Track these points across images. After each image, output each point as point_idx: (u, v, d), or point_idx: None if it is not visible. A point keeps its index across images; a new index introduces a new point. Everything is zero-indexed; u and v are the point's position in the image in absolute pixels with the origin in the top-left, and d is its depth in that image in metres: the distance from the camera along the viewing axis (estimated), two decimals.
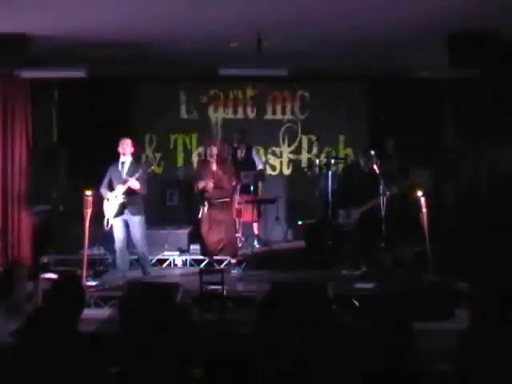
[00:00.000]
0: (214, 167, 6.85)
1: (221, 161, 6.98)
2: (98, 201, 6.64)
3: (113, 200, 6.59)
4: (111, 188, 6.66)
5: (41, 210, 8.06)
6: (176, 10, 6.28)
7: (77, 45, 7.32)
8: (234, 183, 7.27)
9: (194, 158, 9.59)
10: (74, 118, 9.05)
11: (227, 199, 7.10)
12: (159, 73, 8.30)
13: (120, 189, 6.56)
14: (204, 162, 7.15)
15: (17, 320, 3.72)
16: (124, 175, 6.63)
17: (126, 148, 6.69)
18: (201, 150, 9.45)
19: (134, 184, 6.54)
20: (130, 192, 6.57)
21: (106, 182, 6.72)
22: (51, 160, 8.59)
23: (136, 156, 7.10)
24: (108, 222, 6.62)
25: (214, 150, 6.89)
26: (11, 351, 2.94)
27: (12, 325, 3.66)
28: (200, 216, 7.00)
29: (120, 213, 6.60)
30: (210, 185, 6.87)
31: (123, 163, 6.70)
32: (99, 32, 7.01)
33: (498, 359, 2.79)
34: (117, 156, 6.78)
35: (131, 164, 6.71)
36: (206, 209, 6.95)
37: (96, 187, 6.69)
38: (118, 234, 6.71)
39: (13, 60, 7.03)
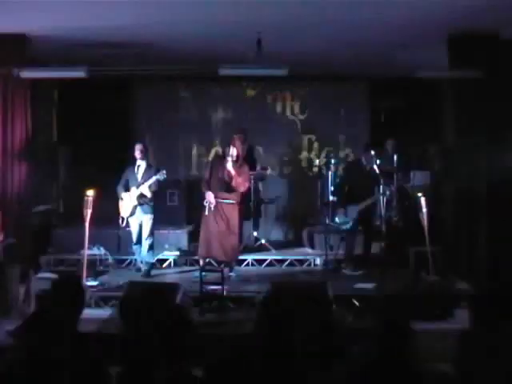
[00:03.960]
0: (230, 167, 6.75)
1: (238, 162, 6.86)
2: (114, 199, 7.10)
3: (128, 200, 7.01)
4: (127, 188, 7.06)
5: (41, 210, 8.07)
6: (176, 11, 6.28)
7: (77, 45, 7.33)
8: (246, 186, 6.98)
9: (194, 158, 9.60)
10: (74, 118, 9.04)
11: (233, 201, 6.88)
12: (159, 73, 8.29)
13: (134, 192, 6.96)
14: (221, 158, 7.04)
15: (10, 319, 3.72)
16: (139, 178, 7.02)
17: (140, 152, 7.05)
18: (200, 149, 9.49)
19: (146, 191, 6.92)
20: (142, 194, 6.98)
21: (122, 182, 7.11)
22: (51, 160, 8.60)
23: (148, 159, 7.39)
24: (123, 220, 7.10)
25: (234, 152, 6.77)
26: (11, 351, 2.94)
27: (6, 324, 3.66)
28: (206, 213, 6.80)
29: (133, 213, 7.04)
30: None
31: (138, 166, 7.10)
32: (99, 32, 7.02)
33: (497, 359, 2.79)
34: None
35: (145, 168, 7.08)
36: (212, 207, 6.80)
37: (97, 186, 6.76)
38: (134, 231, 7.14)
39: (13, 60, 7.03)
